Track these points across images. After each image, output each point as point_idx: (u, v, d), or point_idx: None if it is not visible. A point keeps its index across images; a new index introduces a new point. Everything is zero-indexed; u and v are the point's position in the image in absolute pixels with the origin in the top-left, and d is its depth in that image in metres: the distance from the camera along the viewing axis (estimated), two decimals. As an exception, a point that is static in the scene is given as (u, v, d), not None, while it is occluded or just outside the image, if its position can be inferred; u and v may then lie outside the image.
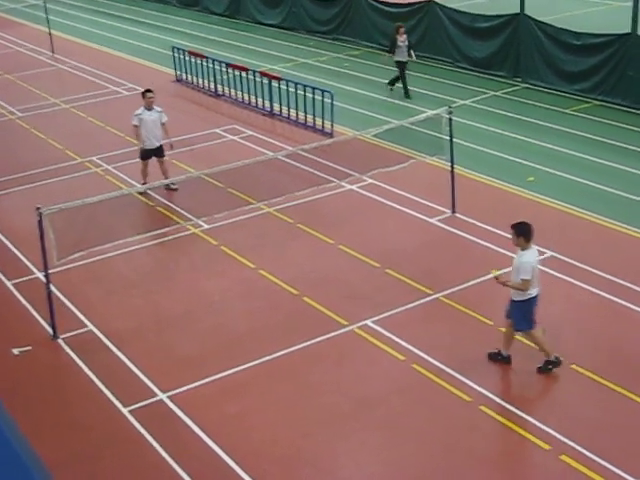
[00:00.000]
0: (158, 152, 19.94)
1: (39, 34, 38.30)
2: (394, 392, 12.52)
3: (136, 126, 19.77)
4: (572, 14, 34.33)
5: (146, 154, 19.94)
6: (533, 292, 12.45)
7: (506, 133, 22.81)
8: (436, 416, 11.99)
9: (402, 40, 26.20)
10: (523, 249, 12.42)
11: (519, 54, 26.92)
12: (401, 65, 26.40)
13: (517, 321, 12.65)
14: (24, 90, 30.11)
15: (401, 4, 31.40)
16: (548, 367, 12.70)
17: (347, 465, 11.19)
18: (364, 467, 11.15)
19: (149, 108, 19.74)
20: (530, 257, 12.33)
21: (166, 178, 19.10)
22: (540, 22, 26.27)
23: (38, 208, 13.79)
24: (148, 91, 19.99)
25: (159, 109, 19.90)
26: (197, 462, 11.27)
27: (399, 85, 26.71)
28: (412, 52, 26.44)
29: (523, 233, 12.42)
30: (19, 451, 3.18)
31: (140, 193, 19.32)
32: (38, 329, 14.68)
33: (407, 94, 26.27)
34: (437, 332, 13.86)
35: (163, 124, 19.85)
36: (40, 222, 13.77)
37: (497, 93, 26.25)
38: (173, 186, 19.52)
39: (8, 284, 16.32)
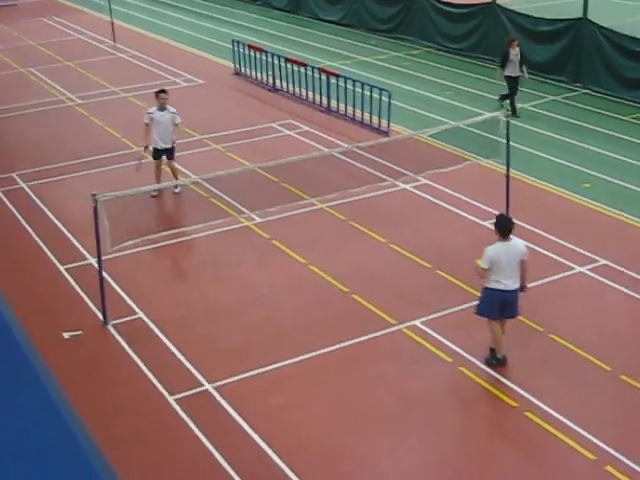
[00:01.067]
0: (168, 153, 19.56)
1: (101, 22, 38.65)
2: (439, 393, 12.48)
3: (147, 124, 19.41)
4: (634, 20, 33.91)
5: (157, 154, 19.53)
6: (498, 285, 12.51)
7: (563, 138, 22.61)
8: (479, 420, 11.94)
9: (514, 54, 24.37)
10: (498, 240, 12.65)
11: (580, 59, 26.66)
12: (511, 80, 24.48)
13: (479, 303, 12.95)
14: (84, 77, 30.40)
15: (462, 5, 31.24)
16: (492, 360, 12.89)
17: (388, 462, 11.18)
18: (404, 465, 11.13)
19: (162, 108, 19.39)
20: (494, 249, 12.57)
21: (175, 179, 19.03)
22: (602, 27, 25.99)
23: (94, 195, 13.92)
24: (162, 91, 19.75)
25: (172, 110, 19.48)
26: (240, 453, 11.32)
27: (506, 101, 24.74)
28: (524, 68, 24.36)
29: (496, 226, 12.79)
30: (87, 451, 3.22)
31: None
32: (89, 314, 14.83)
33: (514, 112, 23.87)
34: (486, 336, 13.78)
35: (176, 125, 19.53)
36: (95, 209, 13.89)
37: (556, 98, 26.03)
38: (176, 190, 19.32)
39: (61, 269, 16.49)
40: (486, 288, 12.77)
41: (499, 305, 12.71)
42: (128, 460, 11.16)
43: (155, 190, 18.89)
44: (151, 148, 19.51)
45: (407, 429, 11.77)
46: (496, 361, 12.94)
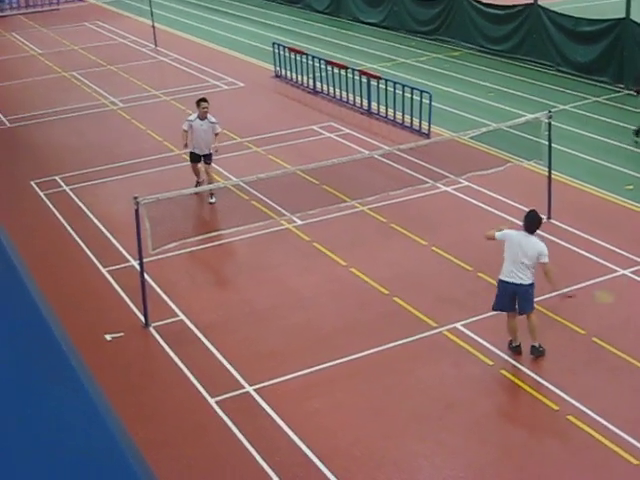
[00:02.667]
0: (206, 158, 19.55)
1: (142, 26, 38.88)
2: (480, 396, 12.42)
3: (185, 131, 19.37)
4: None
5: (195, 158, 19.63)
6: (503, 276, 13.02)
7: (606, 140, 22.41)
8: (521, 423, 11.86)
9: None
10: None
11: (623, 60, 26.41)
12: None
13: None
14: (126, 81, 30.61)
15: (503, 6, 31.08)
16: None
17: (427, 467, 11.14)
18: (445, 470, 11.07)
19: (202, 118, 19.33)
20: (513, 232, 13.30)
21: (209, 183, 18.97)
22: (646, 27, 25.76)
23: (135, 197, 14.00)
24: (203, 100, 19.62)
25: (213, 119, 19.42)
26: (280, 456, 11.33)
27: None
28: None
29: (524, 218, 13.31)
30: (127, 452, 3.25)
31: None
32: (131, 316, 14.91)
33: None
34: (527, 339, 13.69)
35: (216, 134, 19.47)
36: (137, 211, 13.98)
37: (598, 99, 25.82)
38: (212, 200, 19.28)
39: (103, 271, 16.60)
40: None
41: (508, 297, 13.03)
42: (169, 462, 11.21)
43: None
44: (189, 151, 19.62)
45: (448, 433, 11.71)
46: (513, 348, 13.30)
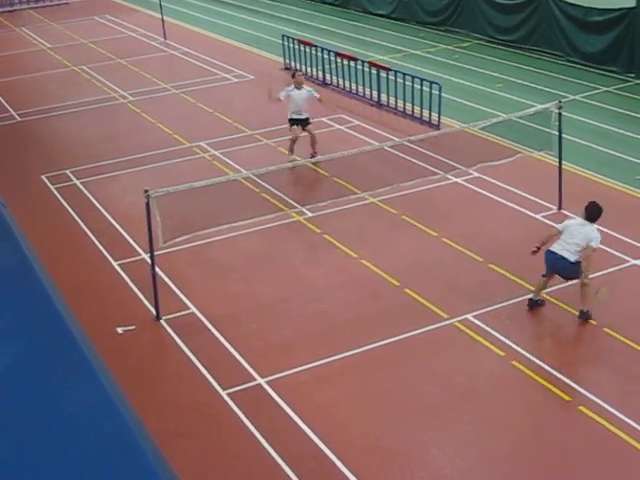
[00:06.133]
0: (304, 122, 21.25)
1: (152, 20, 38.92)
2: (492, 387, 12.43)
3: (280, 100, 21.32)
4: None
5: (293, 122, 21.36)
6: (553, 247, 13.80)
7: (616, 130, 22.36)
8: (534, 414, 11.85)
9: None
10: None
11: (633, 49, 26.34)
12: None
13: None
14: (136, 75, 30.63)
15: (513, -4, 31.01)
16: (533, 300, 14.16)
17: (440, 458, 11.14)
18: (458, 461, 11.08)
19: (299, 87, 21.31)
20: (573, 220, 14.20)
21: (313, 145, 21.12)
22: (656, 17, 25.68)
23: (146, 191, 14.02)
24: (297, 71, 22.80)
25: (309, 88, 21.64)
26: (293, 448, 11.35)
27: None
28: None
29: (585, 208, 13.96)
30: (142, 444, 3.28)
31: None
32: (142, 309, 14.95)
33: None
34: (539, 329, 13.71)
35: (318, 99, 21.53)
36: (148, 204, 14.00)
37: (609, 89, 25.74)
38: (314, 159, 20.47)
39: (114, 264, 16.64)
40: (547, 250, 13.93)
41: (551, 263, 13.82)
42: (181, 453, 11.23)
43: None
44: (288, 117, 21.45)
45: (460, 424, 11.72)
46: (530, 302, 14.10)
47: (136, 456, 3.13)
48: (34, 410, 3.15)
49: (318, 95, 21.56)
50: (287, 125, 21.25)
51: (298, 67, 28.82)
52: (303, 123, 21.33)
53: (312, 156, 20.72)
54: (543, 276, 13.99)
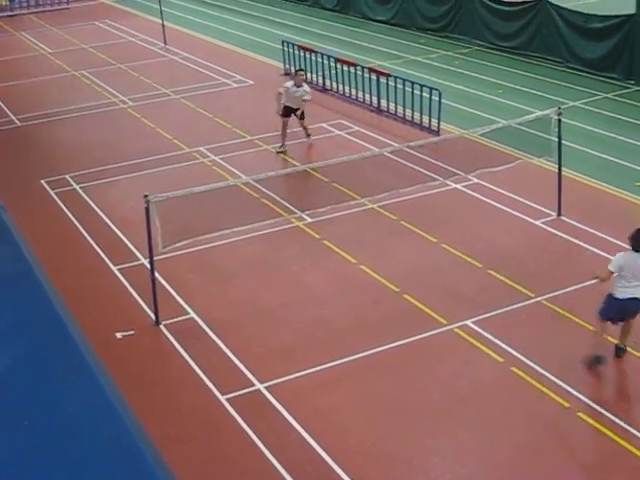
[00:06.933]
0: (296, 111, 21.99)
1: (152, 25, 38.95)
2: (491, 394, 12.42)
3: (280, 93, 21.90)
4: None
5: (286, 111, 21.94)
6: (624, 293, 12.40)
7: (616, 136, 22.37)
8: (533, 420, 11.84)
9: None
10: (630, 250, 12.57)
11: (633, 56, 26.36)
12: None
13: (602, 307, 12.73)
14: (136, 80, 30.64)
15: (513, 2, 31.05)
16: (592, 360, 12.63)
17: (439, 464, 11.14)
18: (457, 467, 11.07)
19: (298, 85, 21.82)
20: (625, 257, 12.50)
21: (305, 129, 22.37)
22: (656, 24, 25.70)
23: (146, 196, 14.03)
24: (300, 70, 23.11)
25: (307, 89, 21.96)
26: (292, 454, 11.33)
27: None
28: None
29: (631, 238, 12.58)
30: (143, 449, 3.27)
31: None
32: (141, 314, 14.94)
33: None
34: (538, 336, 13.69)
35: (304, 100, 21.75)
36: (147, 209, 14.00)
37: (608, 95, 25.76)
38: (309, 139, 22.04)
39: (114, 269, 16.64)
40: (609, 295, 12.60)
41: (619, 310, 12.58)
42: (180, 458, 11.22)
43: (281, 147, 22.04)
44: (283, 105, 21.98)
45: (459, 430, 11.71)
46: (594, 360, 12.68)
47: (136, 460, 3.13)
48: (34, 411, 3.15)
49: (308, 98, 21.91)
50: (263, 137, 21.52)
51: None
52: (295, 111, 21.97)
53: (308, 136, 22.47)
54: (608, 320, 12.81)
